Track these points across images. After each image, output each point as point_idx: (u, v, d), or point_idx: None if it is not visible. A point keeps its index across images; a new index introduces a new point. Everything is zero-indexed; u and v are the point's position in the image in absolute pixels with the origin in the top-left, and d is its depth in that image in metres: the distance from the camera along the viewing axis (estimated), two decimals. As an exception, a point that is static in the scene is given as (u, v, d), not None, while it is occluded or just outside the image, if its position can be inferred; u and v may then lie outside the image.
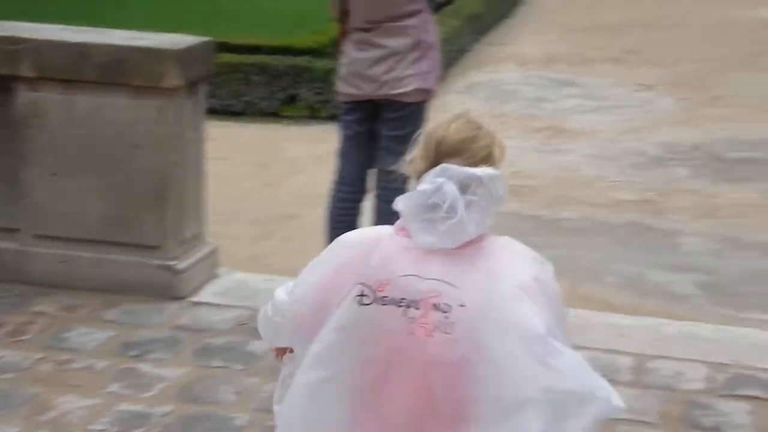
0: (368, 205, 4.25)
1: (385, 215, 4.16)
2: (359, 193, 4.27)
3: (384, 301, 1.91)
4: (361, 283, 1.91)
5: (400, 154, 4.50)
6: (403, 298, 1.89)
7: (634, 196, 6.26)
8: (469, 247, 1.92)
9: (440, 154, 1.97)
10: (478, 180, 1.93)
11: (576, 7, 12.92)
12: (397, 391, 1.88)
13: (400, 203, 1.98)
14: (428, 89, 4.14)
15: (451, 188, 1.92)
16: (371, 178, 4.28)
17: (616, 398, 1.89)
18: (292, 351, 2.10)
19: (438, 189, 1.92)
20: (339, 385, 1.92)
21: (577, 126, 7.86)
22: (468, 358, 1.83)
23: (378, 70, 4.04)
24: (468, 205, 1.92)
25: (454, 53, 9.92)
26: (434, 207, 1.92)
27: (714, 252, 5.38)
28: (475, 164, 1.96)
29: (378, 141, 4.17)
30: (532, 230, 5.82)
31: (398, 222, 2.00)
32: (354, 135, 4.22)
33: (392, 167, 3.90)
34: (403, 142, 3.98)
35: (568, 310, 2.01)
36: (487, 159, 1.98)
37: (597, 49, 10.47)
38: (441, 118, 2.03)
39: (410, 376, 1.87)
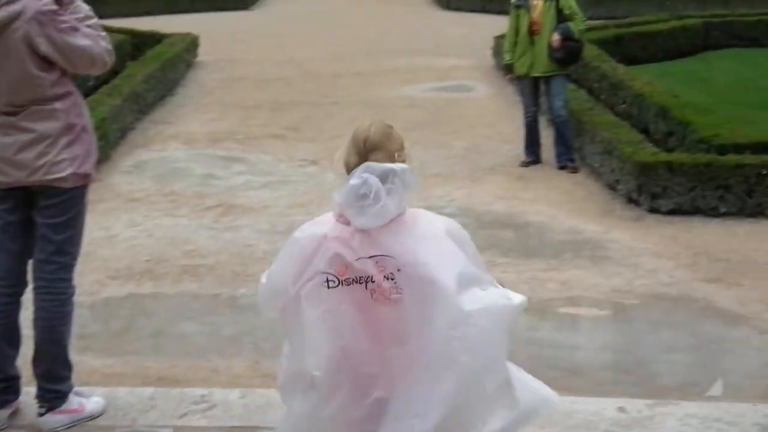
0: (29, 298, 3.99)
1: (50, 313, 3.91)
2: (17, 286, 3.98)
3: (347, 282, 2.68)
4: (324, 272, 2.69)
5: (59, 243, 4.35)
6: (361, 277, 2.68)
7: (308, 268, 6.45)
8: (394, 222, 2.72)
9: (367, 149, 2.76)
10: (394, 172, 2.71)
11: (237, 86, 13.20)
12: (367, 331, 2.67)
13: (337, 195, 2.76)
14: (85, 173, 3.92)
15: (374, 181, 2.69)
16: (30, 269, 4.02)
17: (518, 298, 2.77)
18: None
19: (365, 182, 2.68)
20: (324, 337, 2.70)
21: (248, 202, 7.99)
22: (411, 302, 2.64)
23: (28, 155, 3.79)
24: (388, 192, 2.69)
25: (117, 132, 9.75)
26: (363, 196, 2.69)
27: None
28: (392, 155, 2.76)
29: (35, 230, 3.95)
30: (212, 309, 5.82)
31: (337, 210, 2.79)
32: (6, 225, 3.93)
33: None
34: (63, 229, 3.90)
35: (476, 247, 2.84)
36: (400, 151, 2.81)
37: (260, 126, 10.75)
38: (360, 123, 2.86)
39: (376, 322, 2.65)
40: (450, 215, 7.42)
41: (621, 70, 11.06)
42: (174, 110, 11.69)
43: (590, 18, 11.50)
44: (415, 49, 16.20)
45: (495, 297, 2.73)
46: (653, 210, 7.46)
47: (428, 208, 7.21)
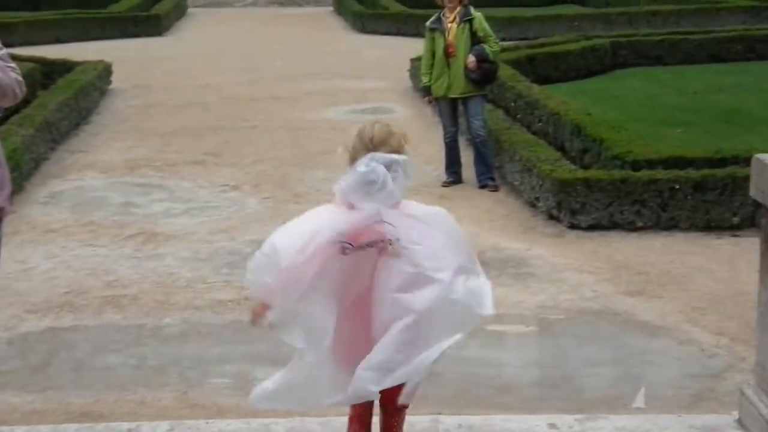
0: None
1: None
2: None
3: (361, 247, 3.17)
4: (340, 242, 3.15)
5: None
6: (372, 241, 3.17)
7: (234, 295, 6.38)
8: (394, 207, 3.19)
9: (374, 144, 3.23)
10: (397, 162, 3.17)
11: (153, 113, 13.03)
12: (377, 278, 3.20)
13: (339, 184, 3.21)
14: None
15: (381, 169, 3.14)
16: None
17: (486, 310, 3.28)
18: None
19: (372, 170, 3.13)
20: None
21: (169, 229, 7.87)
22: (406, 262, 3.17)
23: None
24: (393, 179, 3.15)
25: (31, 163, 9.52)
26: (371, 182, 3.13)
27: (313, 342, 5.64)
28: (395, 151, 3.21)
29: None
30: (136, 340, 5.71)
31: (335, 200, 3.26)
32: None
33: None
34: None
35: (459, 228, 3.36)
36: (401, 146, 3.28)
37: (179, 152, 10.62)
38: (363, 124, 3.39)
39: (383, 276, 3.19)
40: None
41: (536, 90, 11.27)
42: (89, 139, 11.47)
43: (503, 39, 11.70)
44: (332, 72, 16.25)
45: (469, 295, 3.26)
46: (573, 226, 7.60)
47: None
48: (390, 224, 3.17)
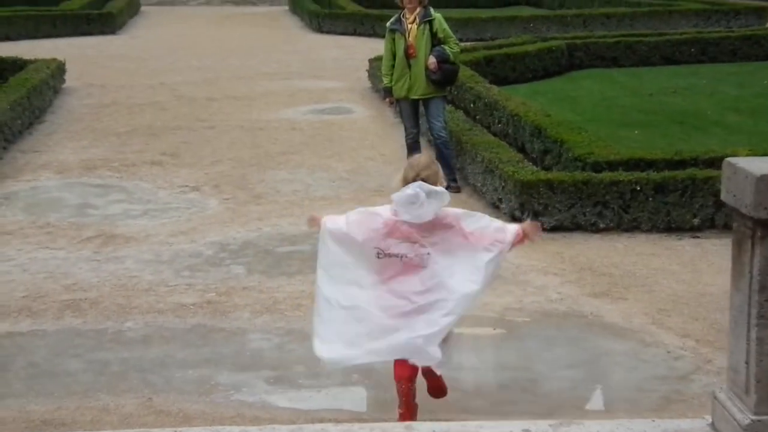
0: None
1: None
2: None
3: (389, 256, 4.39)
4: (376, 247, 4.40)
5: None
6: (399, 254, 4.38)
7: (196, 298, 6.29)
8: (428, 222, 4.37)
9: (418, 172, 4.43)
10: (435, 192, 4.35)
11: (108, 112, 12.83)
12: (396, 283, 4.40)
13: (395, 197, 4.36)
14: None
15: (422, 194, 4.31)
16: None
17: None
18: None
19: (417, 194, 4.30)
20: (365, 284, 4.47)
21: (128, 231, 7.74)
22: (430, 273, 4.37)
23: None
24: (429, 204, 4.32)
25: (-17, 163, 9.31)
26: (414, 202, 4.31)
27: (279, 346, 5.57)
28: (433, 178, 4.44)
29: None
30: (97, 345, 5.59)
31: (393, 206, 4.39)
32: None
33: None
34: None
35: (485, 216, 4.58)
36: (437, 176, 4.51)
37: (136, 152, 10.46)
38: (414, 156, 5.09)
39: (402, 279, 4.39)
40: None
41: (495, 91, 11.29)
42: (43, 139, 11.26)
43: (459, 40, 11.66)
44: (290, 72, 16.15)
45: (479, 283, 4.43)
46: (536, 228, 7.60)
47: (316, 231, 7.19)
48: (421, 246, 4.39)
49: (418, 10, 8.97)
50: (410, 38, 8.95)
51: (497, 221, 4.57)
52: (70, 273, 6.79)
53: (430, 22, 8.95)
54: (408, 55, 8.95)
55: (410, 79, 8.97)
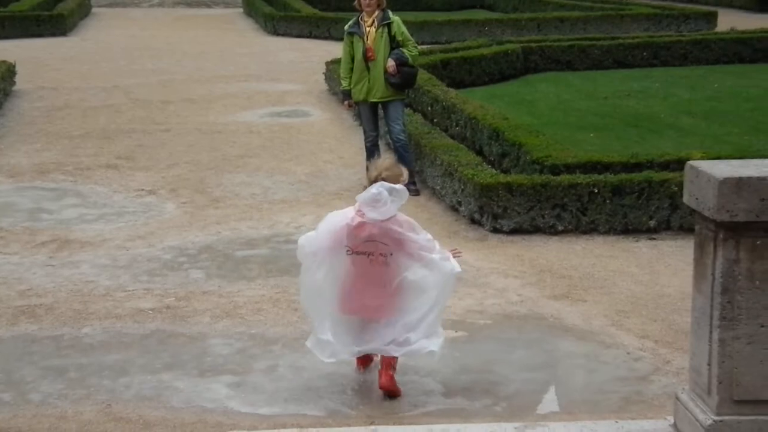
0: None
1: None
2: None
3: (357, 253, 4.83)
4: (346, 245, 4.81)
5: None
6: (366, 252, 4.82)
7: (155, 303, 6.22)
8: (389, 220, 4.79)
9: (380, 172, 4.89)
10: (396, 191, 4.77)
11: (61, 115, 12.65)
12: (364, 279, 4.86)
13: (359, 197, 4.79)
14: None
15: (385, 193, 4.74)
16: None
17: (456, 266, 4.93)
18: None
19: (380, 192, 4.74)
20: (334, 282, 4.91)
21: (84, 236, 7.63)
22: (394, 268, 4.83)
23: None
24: (392, 201, 4.74)
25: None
26: (377, 201, 4.74)
27: (239, 351, 5.52)
28: (395, 178, 4.88)
29: None
30: (54, 351, 5.50)
31: (356, 207, 4.81)
32: None
33: None
34: None
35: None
36: (399, 177, 4.92)
37: (91, 156, 10.32)
38: (378, 159, 5.30)
39: (371, 275, 4.83)
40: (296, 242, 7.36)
41: (452, 94, 11.32)
42: (-6, 141, 11.07)
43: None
44: (246, 75, 16.05)
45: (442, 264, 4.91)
46: (496, 230, 7.64)
47: (276, 234, 7.25)
48: (384, 244, 4.81)
49: (376, 13, 8.97)
50: (369, 41, 8.95)
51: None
52: (24, 278, 6.68)
53: (389, 25, 8.96)
54: (367, 59, 8.95)
55: (369, 82, 8.97)
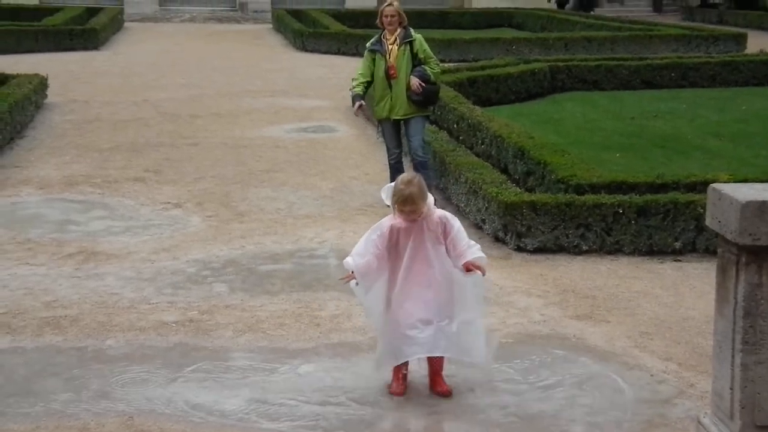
0: None
1: None
2: None
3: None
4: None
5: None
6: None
7: (178, 316, 6.26)
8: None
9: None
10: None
11: (91, 128, 12.79)
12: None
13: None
14: None
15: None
16: None
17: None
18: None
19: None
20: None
21: (110, 248, 7.70)
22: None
23: None
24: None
25: (-36, 177, 9.25)
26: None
27: (261, 365, 5.54)
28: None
29: None
30: (78, 363, 5.54)
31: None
32: None
33: None
34: None
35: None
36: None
37: (119, 169, 10.42)
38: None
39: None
40: (322, 256, 7.40)
41: (478, 112, 11.33)
42: (24, 154, 11.20)
43: (442, 61, 11.74)
44: (274, 90, 16.16)
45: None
46: (520, 249, 7.63)
47: (299, 249, 7.28)
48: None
49: (398, 30, 8.99)
50: (391, 59, 8.97)
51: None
52: (50, 289, 6.74)
53: (411, 43, 8.98)
54: (389, 76, 8.97)
55: (391, 99, 8.98)
